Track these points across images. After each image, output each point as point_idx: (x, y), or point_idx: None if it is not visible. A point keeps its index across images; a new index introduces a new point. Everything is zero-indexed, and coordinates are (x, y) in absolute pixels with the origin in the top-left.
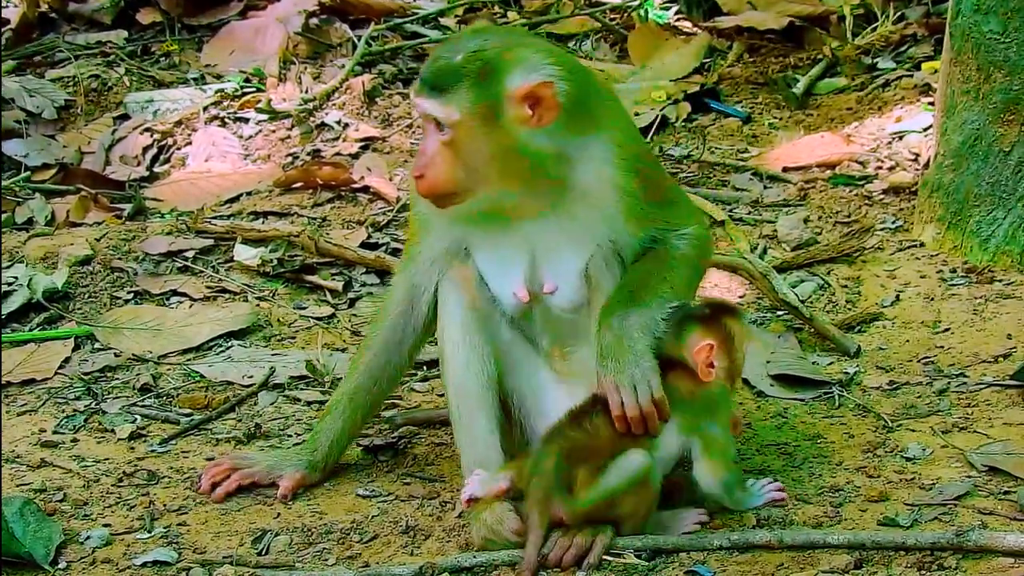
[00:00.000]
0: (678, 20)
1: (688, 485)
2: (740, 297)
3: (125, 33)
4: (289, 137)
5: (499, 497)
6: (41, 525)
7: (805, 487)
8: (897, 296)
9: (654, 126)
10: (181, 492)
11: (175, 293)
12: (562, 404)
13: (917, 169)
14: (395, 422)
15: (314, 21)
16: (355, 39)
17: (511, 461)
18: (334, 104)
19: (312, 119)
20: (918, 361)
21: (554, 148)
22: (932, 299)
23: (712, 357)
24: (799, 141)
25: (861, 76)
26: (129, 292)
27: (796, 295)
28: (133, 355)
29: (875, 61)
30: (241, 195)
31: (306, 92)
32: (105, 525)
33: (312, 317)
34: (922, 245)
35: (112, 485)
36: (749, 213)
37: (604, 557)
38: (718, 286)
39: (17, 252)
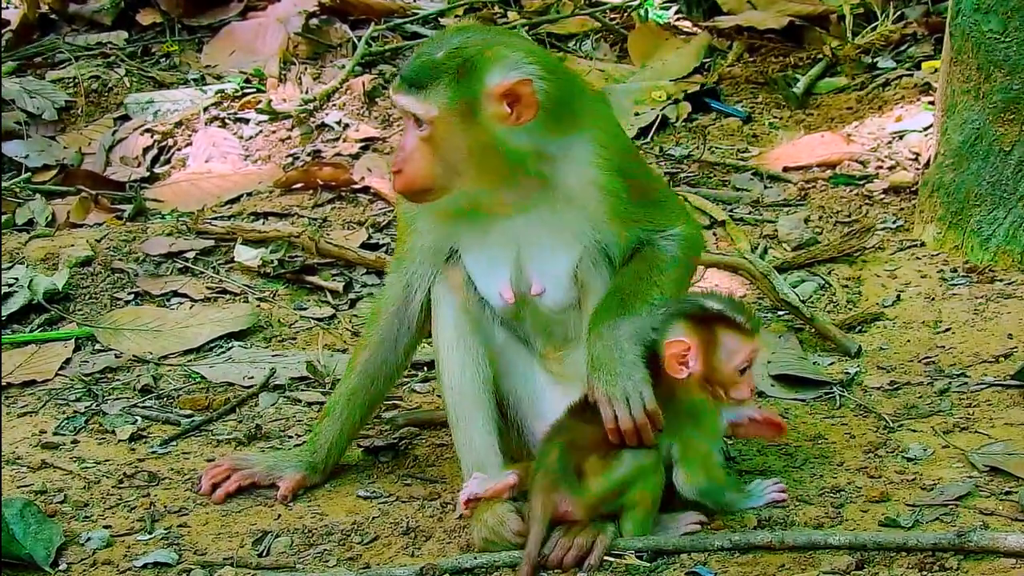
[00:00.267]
0: (678, 20)
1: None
2: (741, 297)
3: (125, 34)
4: (289, 138)
5: (504, 494)
6: (42, 527)
7: (806, 488)
8: (898, 296)
9: (654, 126)
10: (182, 493)
11: (176, 294)
12: (558, 406)
13: (917, 169)
14: (396, 422)
15: (314, 21)
16: (355, 39)
17: (512, 463)
18: (334, 105)
19: (312, 120)
20: (919, 361)
21: (533, 147)
22: (933, 299)
23: (687, 357)
24: (799, 141)
25: (861, 76)
26: (130, 293)
27: (797, 295)
28: (134, 356)
29: (875, 60)
30: (241, 196)
31: (306, 93)
32: (106, 526)
33: (313, 318)
34: (923, 245)
35: (113, 486)
36: (750, 213)
37: (605, 558)
38: (719, 286)
39: (18, 253)
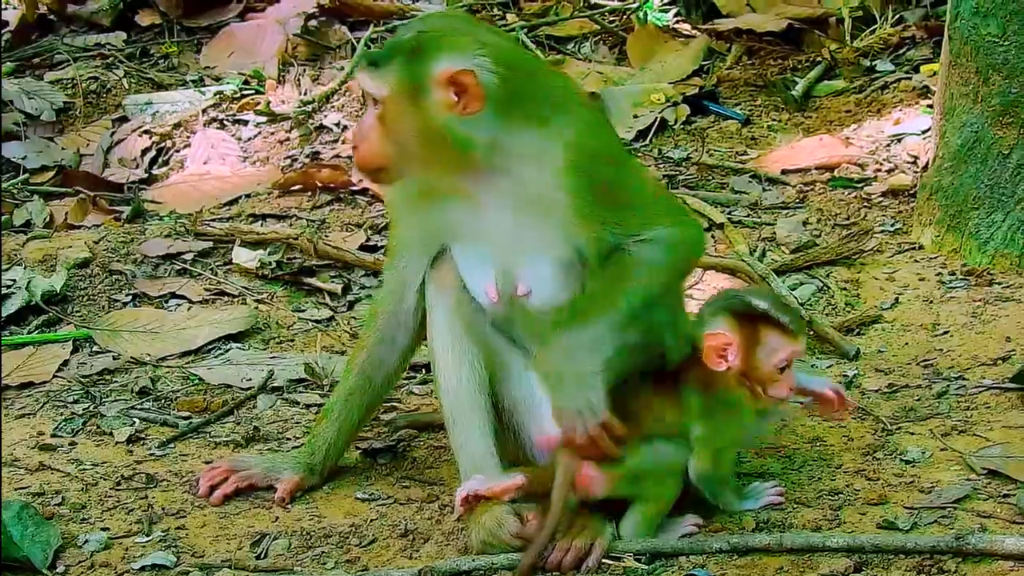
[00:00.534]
0: (677, 22)
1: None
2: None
3: (124, 35)
4: (288, 139)
5: (509, 494)
6: (39, 529)
7: (804, 490)
8: (896, 299)
9: (653, 128)
10: (180, 496)
11: (174, 296)
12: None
13: (916, 171)
14: (397, 424)
15: (313, 23)
16: (354, 41)
17: (511, 467)
18: (333, 106)
19: (311, 121)
20: (917, 364)
21: (487, 139)
22: (931, 302)
23: (727, 351)
24: (798, 143)
25: (860, 79)
26: (128, 295)
27: (795, 298)
28: (132, 358)
29: (874, 63)
30: (240, 197)
31: (305, 94)
32: (103, 529)
33: (311, 320)
34: (921, 248)
35: (110, 488)
36: (748, 215)
37: (603, 560)
38: (717, 289)
39: (15, 255)
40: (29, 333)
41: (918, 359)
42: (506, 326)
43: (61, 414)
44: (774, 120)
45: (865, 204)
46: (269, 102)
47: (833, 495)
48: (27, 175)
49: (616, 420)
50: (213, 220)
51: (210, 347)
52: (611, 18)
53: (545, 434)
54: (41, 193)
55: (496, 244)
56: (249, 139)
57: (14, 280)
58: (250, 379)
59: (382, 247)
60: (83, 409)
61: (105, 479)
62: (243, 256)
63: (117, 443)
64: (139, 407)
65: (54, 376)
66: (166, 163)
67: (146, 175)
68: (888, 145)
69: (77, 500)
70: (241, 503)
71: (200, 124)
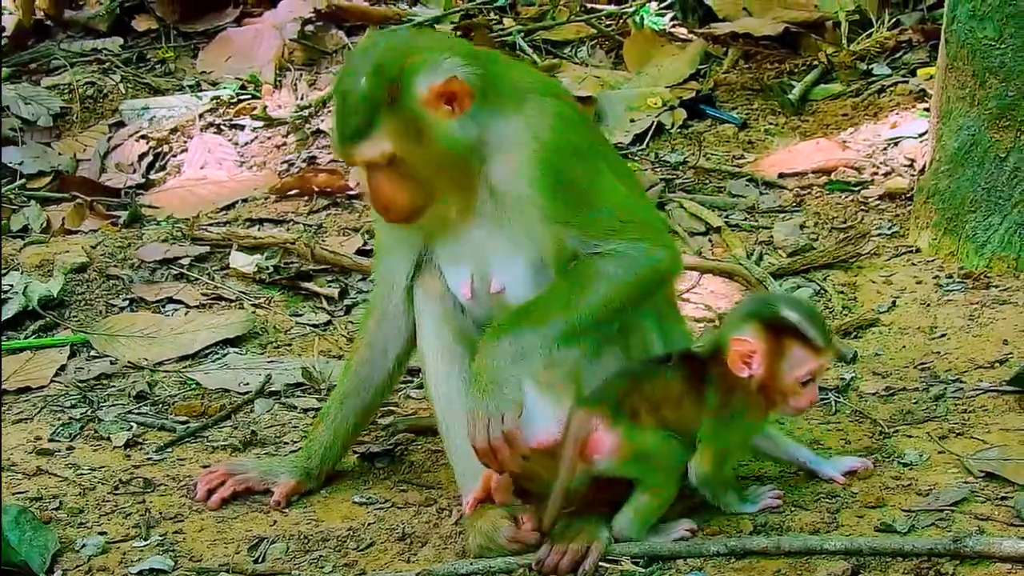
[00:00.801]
0: (673, 26)
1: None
2: (736, 303)
3: (121, 40)
4: (285, 144)
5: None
6: (37, 533)
7: (802, 493)
8: (893, 302)
9: (650, 132)
10: (177, 500)
11: (171, 300)
12: (546, 411)
13: (913, 175)
14: (396, 427)
15: (310, 28)
16: (351, 46)
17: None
18: (330, 111)
19: (308, 126)
20: (915, 367)
21: (476, 134)
22: (928, 305)
23: (751, 359)
24: (795, 147)
25: (857, 82)
26: (125, 299)
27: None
28: (129, 363)
29: (871, 67)
30: (237, 202)
31: (302, 99)
32: (101, 533)
33: (308, 324)
34: (918, 251)
35: (108, 493)
36: (745, 219)
37: (601, 564)
38: (714, 292)
39: (13, 260)
40: (26, 338)
41: (915, 362)
42: (487, 325)
43: (59, 419)
44: (771, 124)
45: (862, 207)
46: (266, 107)
47: (831, 498)
48: (24, 180)
49: (523, 436)
50: (210, 225)
51: (207, 352)
52: (607, 22)
53: (535, 435)
54: (38, 198)
55: (470, 242)
56: (246, 144)
57: (11, 285)
58: (247, 383)
59: None
60: (80, 414)
61: (103, 483)
62: (240, 261)
63: (115, 447)
64: (136, 412)
65: (51, 381)
66: (163, 168)
67: (143, 180)
68: (885, 149)
69: (75, 504)
70: (239, 507)
71: (197, 129)
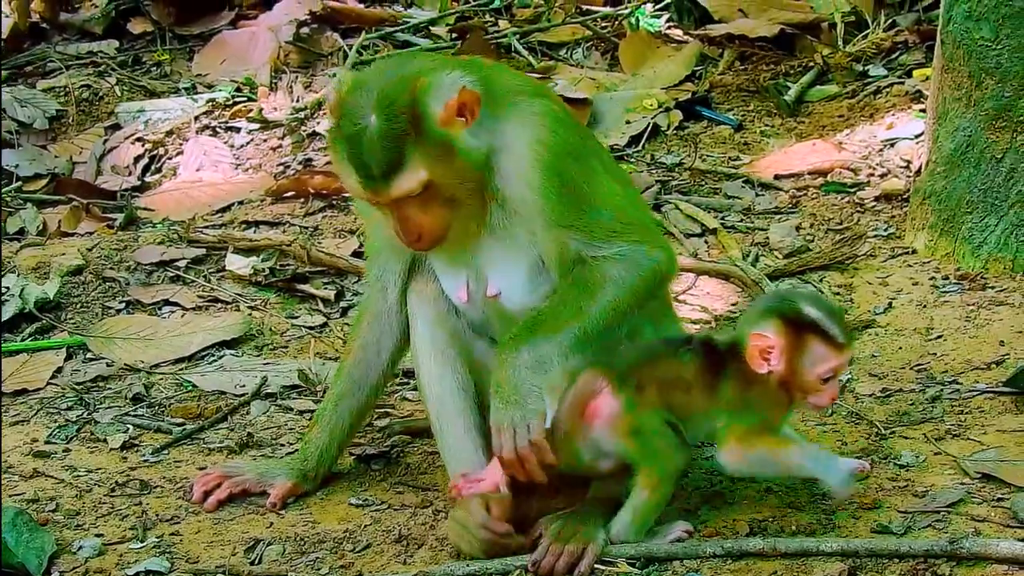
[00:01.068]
0: (669, 28)
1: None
2: (733, 304)
3: (116, 43)
4: (280, 146)
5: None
6: (34, 535)
7: (798, 494)
8: (889, 303)
9: (645, 134)
10: (174, 502)
11: (167, 303)
12: None
13: (909, 176)
14: (392, 429)
15: (305, 30)
16: (346, 48)
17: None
18: (325, 113)
19: (303, 128)
20: (911, 368)
21: (487, 136)
22: (924, 306)
23: (770, 354)
24: (791, 148)
25: (852, 83)
26: (121, 302)
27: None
28: (125, 365)
29: (866, 68)
30: (233, 204)
31: (297, 101)
32: (98, 535)
33: (304, 326)
34: (914, 252)
35: (104, 495)
36: (741, 221)
37: (596, 566)
38: (710, 293)
39: (9, 262)
40: (23, 340)
41: (912, 363)
42: (483, 329)
43: (55, 421)
44: (767, 125)
45: (858, 209)
46: (261, 109)
47: (827, 499)
48: (20, 183)
49: (549, 445)
50: (206, 227)
51: (203, 354)
52: (603, 24)
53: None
54: (34, 201)
55: (466, 246)
56: (242, 146)
57: (8, 288)
58: (243, 385)
59: None
60: (77, 416)
61: (99, 485)
62: (236, 263)
63: (111, 449)
64: (133, 414)
65: (48, 383)
66: (159, 170)
67: (139, 182)
68: (881, 150)
69: (71, 506)
70: (235, 509)
71: (193, 131)
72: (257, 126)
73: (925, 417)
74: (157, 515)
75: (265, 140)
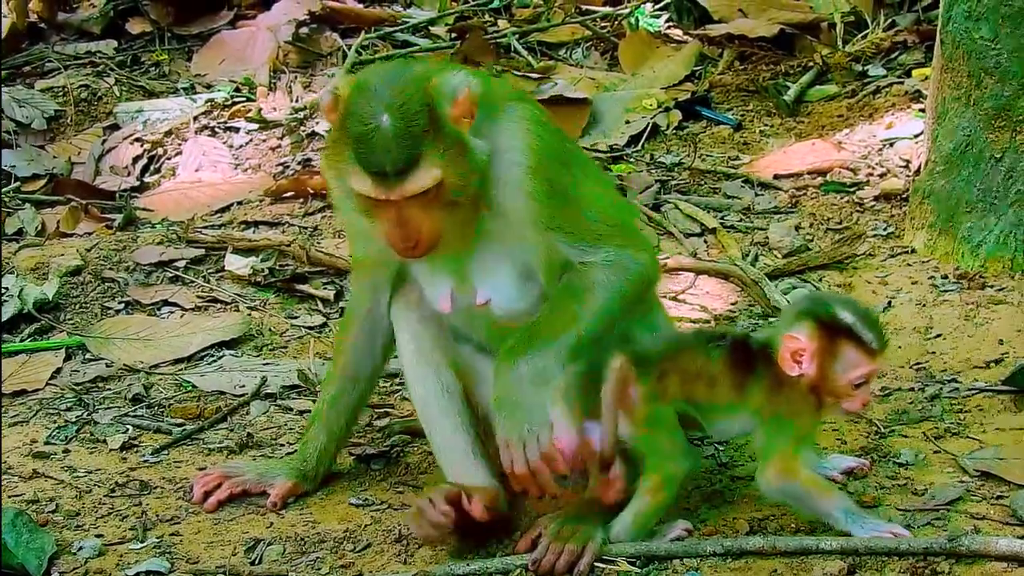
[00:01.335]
0: (669, 28)
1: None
2: (732, 304)
3: (115, 43)
4: (280, 146)
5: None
6: (33, 536)
7: None
8: (889, 302)
9: (645, 134)
10: (173, 502)
11: (166, 303)
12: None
13: (908, 175)
14: (392, 429)
15: (304, 30)
16: (345, 48)
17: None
18: (319, 117)
19: (303, 128)
20: (910, 367)
21: (484, 140)
22: (924, 305)
23: (802, 357)
24: (790, 148)
25: (852, 83)
26: (120, 302)
27: (788, 302)
28: (124, 365)
29: (866, 68)
30: (232, 205)
31: (296, 101)
32: (98, 535)
33: (303, 326)
34: (913, 251)
35: (104, 495)
36: (740, 220)
37: (597, 564)
38: (710, 293)
39: (7, 263)
40: (22, 341)
41: (911, 362)
42: (466, 335)
43: (54, 421)
44: (766, 125)
45: (857, 208)
46: (260, 109)
47: None
48: (18, 183)
49: (560, 456)
50: (205, 227)
51: (203, 354)
52: (602, 24)
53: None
54: (33, 201)
55: (450, 255)
56: (241, 146)
57: (7, 288)
58: (243, 386)
59: None
60: (76, 416)
61: (99, 486)
62: (235, 263)
63: (111, 450)
64: (132, 414)
65: (47, 384)
66: (158, 171)
67: (138, 183)
68: (880, 149)
69: (71, 507)
70: (235, 509)
71: (191, 131)
72: (256, 126)
73: (924, 415)
74: (157, 515)
75: (264, 140)
